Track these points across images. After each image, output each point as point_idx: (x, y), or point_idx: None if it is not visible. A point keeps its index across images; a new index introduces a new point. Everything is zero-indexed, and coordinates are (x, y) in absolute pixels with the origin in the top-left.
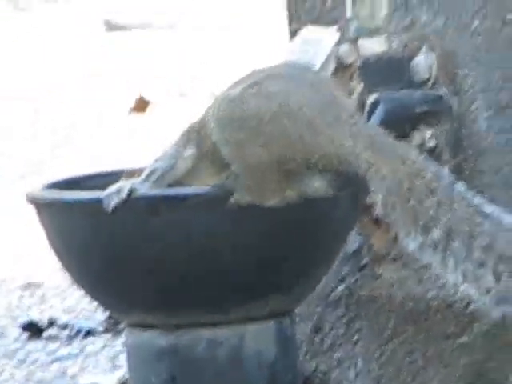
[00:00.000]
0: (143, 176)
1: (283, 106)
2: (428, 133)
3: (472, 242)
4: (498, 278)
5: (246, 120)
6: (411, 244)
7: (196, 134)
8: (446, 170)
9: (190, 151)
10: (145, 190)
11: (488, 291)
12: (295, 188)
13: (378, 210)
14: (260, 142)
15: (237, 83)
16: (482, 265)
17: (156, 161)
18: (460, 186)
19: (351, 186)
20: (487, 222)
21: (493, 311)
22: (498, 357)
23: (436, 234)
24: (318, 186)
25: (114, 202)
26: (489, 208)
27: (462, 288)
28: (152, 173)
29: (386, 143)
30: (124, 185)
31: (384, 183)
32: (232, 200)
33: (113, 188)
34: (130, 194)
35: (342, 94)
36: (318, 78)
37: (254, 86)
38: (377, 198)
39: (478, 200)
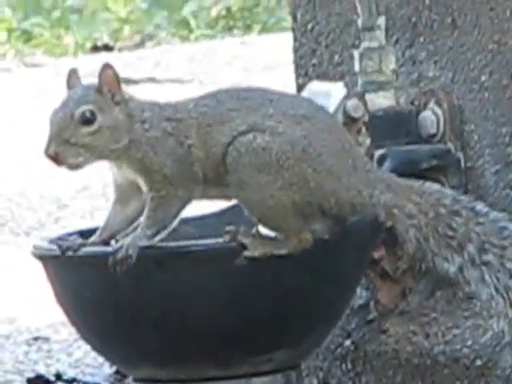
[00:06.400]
0: (146, 229)
1: (305, 152)
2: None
3: (504, 254)
4: None
5: (268, 164)
6: (451, 268)
7: (193, 174)
8: (462, 195)
9: (195, 193)
10: (150, 243)
11: None
12: (308, 230)
13: (411, 247)
14: (279, 186)
15: (251, 108)
16: None
17: (155, 211)
18: (479, 204)
19: (354, 237)
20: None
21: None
22: None
23: (471, 248)
24: (317, 228)
25: (123, 265)
26: (510, 224)
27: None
28: (154, 224)
29: (401, 183)
30: (130, 243)
31: (411, 219)
32: (244, 254)
33: (119, 246)
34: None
35: (352, 139)
36: (334, 121)
37: (277, 129)
38: (406, 236)
39: (499, 216)
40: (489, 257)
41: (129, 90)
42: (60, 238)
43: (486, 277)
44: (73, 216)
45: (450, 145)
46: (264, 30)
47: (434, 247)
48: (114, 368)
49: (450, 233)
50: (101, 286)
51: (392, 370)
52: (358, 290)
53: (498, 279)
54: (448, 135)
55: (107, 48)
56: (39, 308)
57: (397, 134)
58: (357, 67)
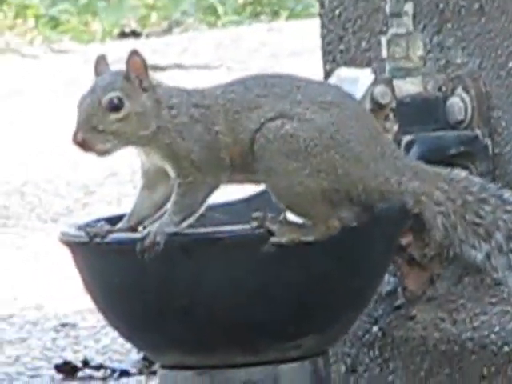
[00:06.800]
0: (173, 215)
1: (333, 139)
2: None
3: None
4: None
5: (296, 151)
6: (478, 256)
7: (220, 160)
8: (490, 181)
9: (222, 180)
10: (177, 229)
11: None
12: (336, 217)
13: (438, 234)
14: (307, 172)
15: (279, 96)
16: None
17: (182, 197)
18: (507, 192)
19: (382, 224)
20: None
21: None
22: None
23: (498, 236)
24: (345, 215)
25: (150, 251)
26: None
27: None
28: (181, 210)
29: (429, 171)
30: (157, 229)
31: (439, 206)
32: (272, 241)
33: (146, 232)
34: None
35: (380, 126)
36: (361, 107)
37: (305, 116)
38: (434, 224)
39: None
40: None
41: (156, 77)
42: (87, 225)
43: None
44: (100, 202)
45: (477, 131)
46: (291, 16)
47: (462, 234)
48: (142, 354)
49: (478, 220)
50: (128, 272)
51: (419, 356)
52: (386, 276)
53: None
54: (476, 121)
55: (135, 34)
56: (67, 294)
57: (424, 121)
58: (384, 53)
